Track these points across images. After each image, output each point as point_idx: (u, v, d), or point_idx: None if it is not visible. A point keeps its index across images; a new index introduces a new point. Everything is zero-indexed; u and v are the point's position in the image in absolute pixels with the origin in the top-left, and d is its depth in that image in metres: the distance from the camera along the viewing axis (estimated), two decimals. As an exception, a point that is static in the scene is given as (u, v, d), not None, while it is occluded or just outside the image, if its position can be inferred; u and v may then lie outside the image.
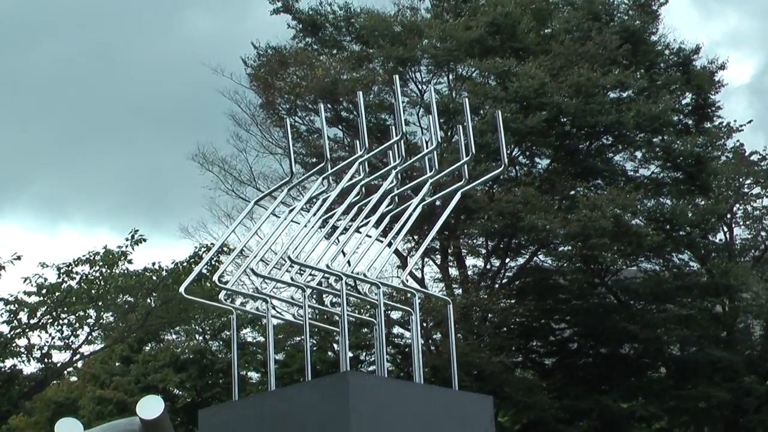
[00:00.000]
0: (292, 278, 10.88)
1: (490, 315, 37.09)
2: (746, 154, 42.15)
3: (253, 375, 44.33)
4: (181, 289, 11.54)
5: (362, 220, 10.83)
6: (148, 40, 77.46)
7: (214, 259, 32.93)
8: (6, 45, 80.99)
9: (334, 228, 11.03)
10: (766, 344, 40.24)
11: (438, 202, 36.94)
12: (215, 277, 10.79)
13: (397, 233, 10.79)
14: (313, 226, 10.83)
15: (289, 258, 10.00)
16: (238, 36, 69.98)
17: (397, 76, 11.61)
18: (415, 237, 33.83)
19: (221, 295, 11.49)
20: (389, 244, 11.11)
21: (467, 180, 11.05)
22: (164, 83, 72.09)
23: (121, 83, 73.85)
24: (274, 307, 11.17)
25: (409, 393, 9.82)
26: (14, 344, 31.70)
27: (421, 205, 10.59)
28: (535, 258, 39.63)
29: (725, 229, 41.94)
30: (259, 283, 10.95)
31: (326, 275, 10.86)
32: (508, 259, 39.65)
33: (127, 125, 73.65)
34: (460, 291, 37.33)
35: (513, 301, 37.38)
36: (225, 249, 33.21)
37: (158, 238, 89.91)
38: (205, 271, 32.82)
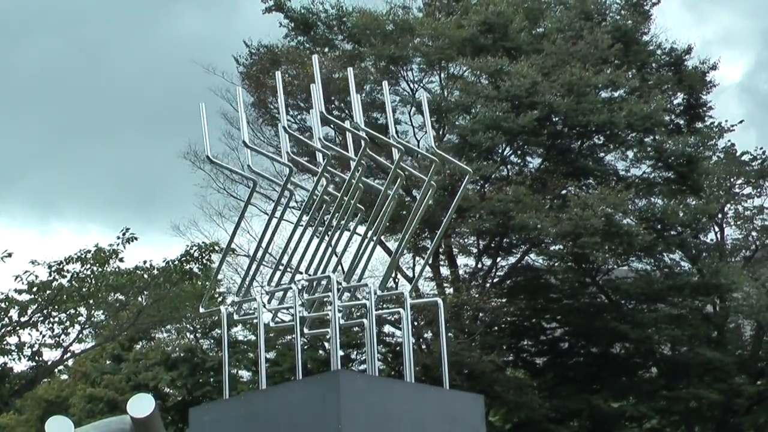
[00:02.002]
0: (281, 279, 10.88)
1: (481, 314, 37.10)
2: (737, 154, 42.19)
3: (244, 373, 44.28)
4: (201, 309, 11.47)
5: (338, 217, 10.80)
6: (137, 36, 77.50)
7: (206, 258, 32.95)
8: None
9: (325, 227, 11.03)
10: (757, 344, 40.30)
11: (430, 201, 37.08)
12: (229, 304, 10.89)
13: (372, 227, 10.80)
14: (306, 226, 10.83)
15: (296, 285, 10.01)
16: (228, 34, 69.95)
17: (315, 57, 11.45)
18: (407, 236, 33.78)
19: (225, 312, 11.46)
20: (386, 248, 11.11)
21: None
22: (154, 80, 72.10)
23: (110, 80, 73.83)
24: (265, 306, 11.15)
25: (400, 392, 9.82)
26: (5, 342, 31.62)
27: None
28: (526, 257, 39.66)
29: (716, 228, 42.02)
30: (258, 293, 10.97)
31: (318, 278, 10.88)
32: (499, 258, 39.66)
33: (116, 122, 73.68)
34: (451, 290, 37.33)
35: (504, 300, 37.39)
36: (217, 249, 33.24)
37: (150, 234, 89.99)
38: (197, 270, 32.90)
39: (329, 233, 11.03)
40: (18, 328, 31.46)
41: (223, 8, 73.08)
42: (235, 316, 11.40)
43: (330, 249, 11.05)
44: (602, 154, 39.83)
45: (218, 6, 73.85)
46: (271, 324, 11.23)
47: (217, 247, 33.15)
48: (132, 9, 77.76)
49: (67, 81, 77.58)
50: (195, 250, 32.70)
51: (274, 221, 10.84)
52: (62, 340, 32.52)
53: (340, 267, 11.33)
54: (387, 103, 12.87)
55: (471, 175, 11.62)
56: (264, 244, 10.98)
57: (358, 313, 11.36)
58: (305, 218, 11.07)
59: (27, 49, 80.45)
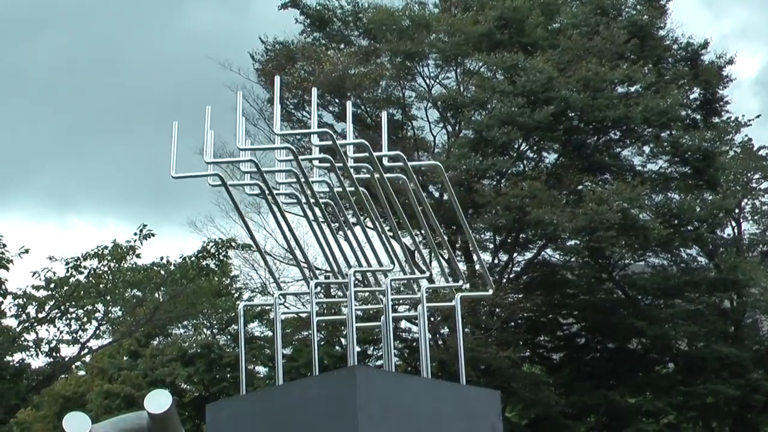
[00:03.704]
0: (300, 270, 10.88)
1: (497, 310, 37.09)
2: (754, 148, 42.09)
3: (261, 369, 44.36)
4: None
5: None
6: (151, 32, 77.69)
7: (222, 254, 33.02)
8: (10, 37, 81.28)
9: (340, 221, 11.06)
10: (774, 340, 40.21)
11: (445, 196, 37.12)
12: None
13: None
14: (321, 221, 10.83)
15: (315, 283, 9.99)
16: (242, 30, 70.11)
17: (281, 81, 11.35)
18: (422, 231, 33.80)
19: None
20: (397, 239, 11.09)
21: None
22: (168, 76, 72.31)
23: (124, 75, 74.07)
24: (283, 303, 11.18)
25: (417, 387, 9.82)
26: (23, 338, 31.70)
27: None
28: (542, 253, 39.64)
29: (733, 224, 41.89)
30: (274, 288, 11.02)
31: (334, 271, 10.89)
32: (515, 254, 39.65)
33: (130, 118, 73.91)
34: (467, 285, 37.29)
35: (520, 296, 37.37)
36: (233, 244, 33.29)
37: (166, 228, 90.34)
38: (213, 266, 32.96)
39: (342, 230, 11.06)
40: (35, 324, 31.53)
41: (238, 4, 73.26)
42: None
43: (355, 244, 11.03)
44: (618, 149, 39.76)
45: (232, 2, 74.02)
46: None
47: (234, 243, 33.20)
48: (146, 4, 78.00)
49: (81, 77, 77.89)
50: (211, 247, 32.74)
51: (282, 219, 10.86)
52: (79, 336, 32.58)
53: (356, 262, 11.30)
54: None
55: (442, 168, 11.54)
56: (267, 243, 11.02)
57: (375, 310, 11.38)
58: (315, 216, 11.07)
59: (42, 46, 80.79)
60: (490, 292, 12.67)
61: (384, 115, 12.73)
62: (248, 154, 10.85)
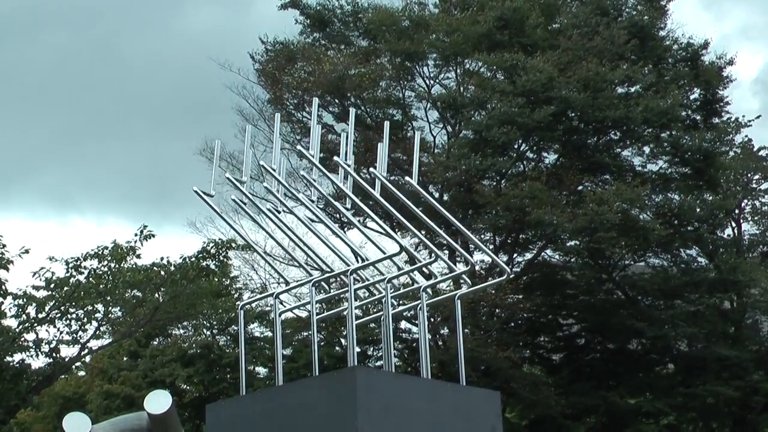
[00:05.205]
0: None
1: (497, 310, 37.07)
2: (754, 149, 42.09)
3: (261, 370, 44.31)
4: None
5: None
6: (150, 32, 77.79)
7: (222, 255, 33.03)
8: (10, 37, 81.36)
9: (341, 222, 11.10)
10: (774, 341, 40.19)
11: (445, 196, 37.13)
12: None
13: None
14: (320, 221, 10.87)
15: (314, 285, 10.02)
16: (242, 29, 70.17)
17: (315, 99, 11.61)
18: (422, 232, 33.75)
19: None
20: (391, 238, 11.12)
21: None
22: (168, 75, 72.40)
23: (124, 74, 74.14)
24: (281, 302, 11.17)
25: (417, 388, 9.83)
26: (22, 339, 31.74)
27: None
28: (542, 253, 39.62)
29: (733, 224, 41.89)
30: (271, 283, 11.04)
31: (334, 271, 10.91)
32: (515, 254, 39.63)
33: (130, 118, 74.04)
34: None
35: (520, 297, 37.34)
36: (233, 245, 33.28)
37: (166, 228, 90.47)
38: (213, 267, 32.99)
39: (344, 229, 11.10)
40: (35, 324, 31.56)
41: (237, 4, 73.33)
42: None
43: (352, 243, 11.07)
44: (618, 150, 39.70)
45: (232, 2, 74.07)
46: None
47: (233, 244, 33.19)
48: (145, 4, 78.09)
49: (81, 77, 77.99)
50: (211, 247, 32.76)
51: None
52: (79, 336, 32.62)
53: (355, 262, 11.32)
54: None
55: (411, 180, 11.67)
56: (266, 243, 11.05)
57: (375, 310, 11.39)
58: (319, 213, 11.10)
59: (41, 46, 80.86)
60: (506, 277, 12.73)
61: (417, 134, 12.78)
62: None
